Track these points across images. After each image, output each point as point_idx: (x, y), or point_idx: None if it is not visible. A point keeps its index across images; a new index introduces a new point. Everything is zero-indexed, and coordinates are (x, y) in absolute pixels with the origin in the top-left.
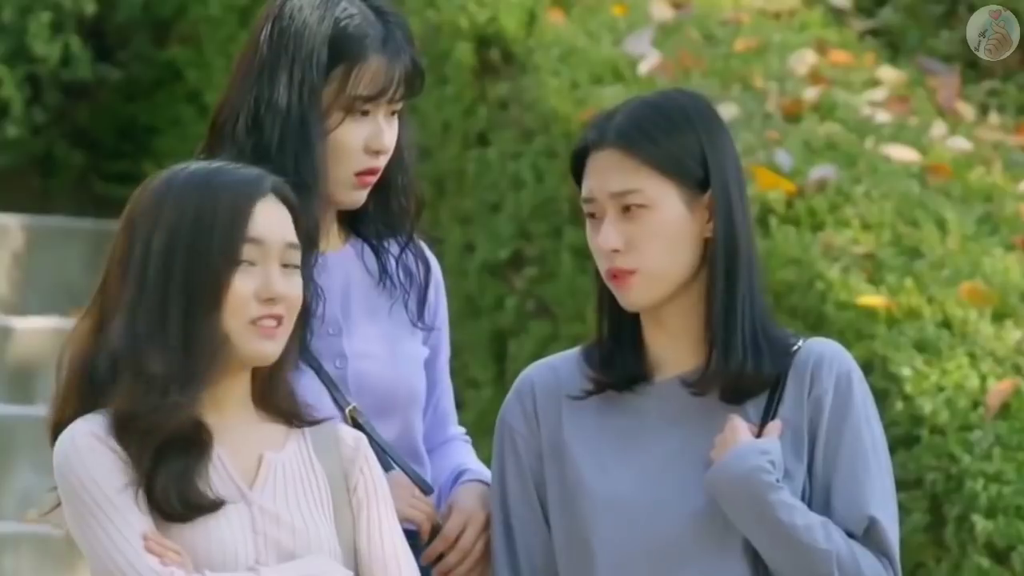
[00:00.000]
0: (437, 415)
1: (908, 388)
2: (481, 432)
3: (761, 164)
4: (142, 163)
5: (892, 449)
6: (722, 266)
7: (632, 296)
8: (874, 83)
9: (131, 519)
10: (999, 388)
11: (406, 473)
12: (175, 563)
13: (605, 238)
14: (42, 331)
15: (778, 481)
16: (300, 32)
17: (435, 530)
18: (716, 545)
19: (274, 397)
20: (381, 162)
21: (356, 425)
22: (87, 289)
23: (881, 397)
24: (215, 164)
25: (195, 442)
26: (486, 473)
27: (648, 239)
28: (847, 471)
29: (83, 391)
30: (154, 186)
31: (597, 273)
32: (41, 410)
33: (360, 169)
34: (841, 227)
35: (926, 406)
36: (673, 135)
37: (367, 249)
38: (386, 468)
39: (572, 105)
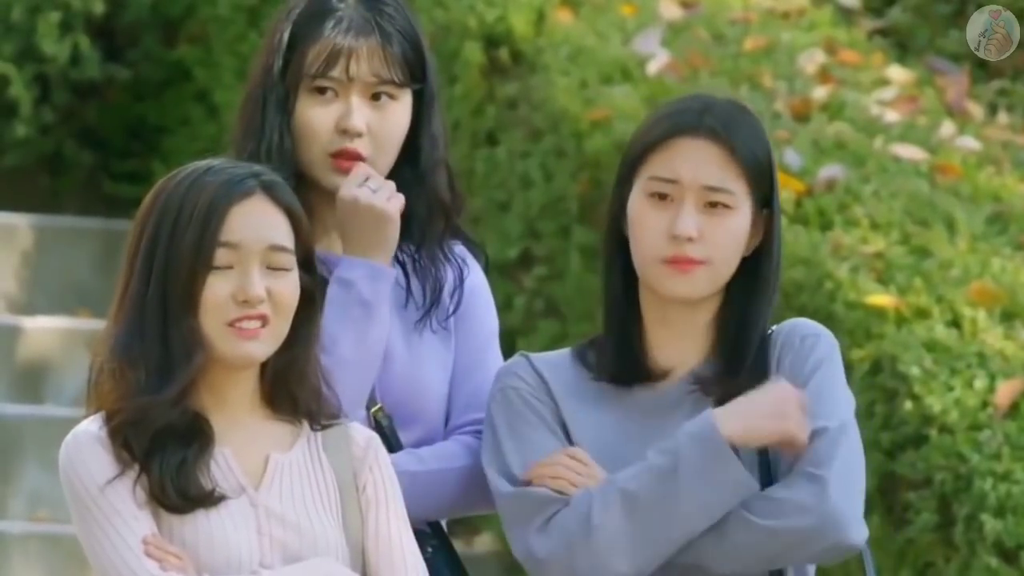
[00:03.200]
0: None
1: (917, 388)
2: None
3: None
4: (151, 163)
5: (901, 448)
6: (762, 286)
7: (690, 286)
8: (883, 83)
9: (132, 523)
10: (1008, 388)
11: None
12: (175, 567)
13: (684, 225)
14: (51, 331)
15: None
16: (282, 18)
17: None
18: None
19: (289, 396)
20: (359, 146)
21: (378, 426)
22: (96, 289)
23: (890, 397)
24: (212, 162)
25: (195, 435)
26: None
27: (721, 238)
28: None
29: (92, 393)
30: (156, 187)
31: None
32: (49, 410)
33: (333, 150)
34: (850, 227)
35: (935, 405)
36: (764, 146)
37: (399, 252)
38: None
39: (581, 104)
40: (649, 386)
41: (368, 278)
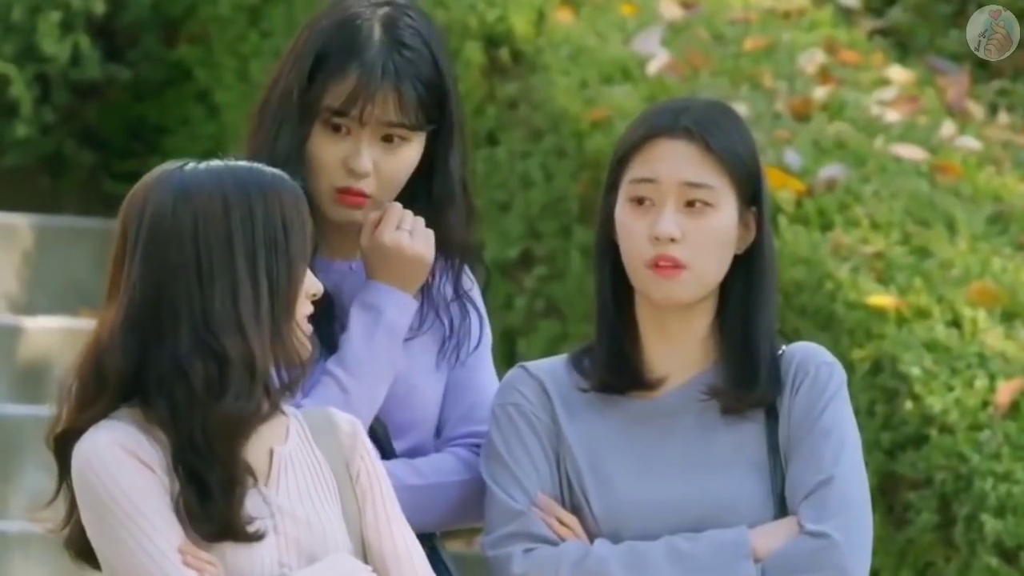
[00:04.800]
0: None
1: (917, 388)
2: None
3: (770, 163)
4: (151, 162)
5: (902, 448)
6: (758, 284)
7: (674, 289)
8: (883, 82)
9: (166, 532)
10: (1008, 388)
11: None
12: (211, 575)
13: (664, 225)
14: (51, 331)
15: None
16: (308, 39)
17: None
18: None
19: None
20: (364, 185)
21: (372, 433)
22: (96, 289)
23: (890, 396)
24: (248, 164)
25: (248, 469)
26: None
27: (704, 238)
28: (814, 439)
29: (114, 395)
30: (204, 199)
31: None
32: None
33: (339, 186)
34: (850, 227)
35: (935, 405)
36: (745, 143)
37: None
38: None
39: (581, 104)
40: (645, 394)
41: (396, 307)
